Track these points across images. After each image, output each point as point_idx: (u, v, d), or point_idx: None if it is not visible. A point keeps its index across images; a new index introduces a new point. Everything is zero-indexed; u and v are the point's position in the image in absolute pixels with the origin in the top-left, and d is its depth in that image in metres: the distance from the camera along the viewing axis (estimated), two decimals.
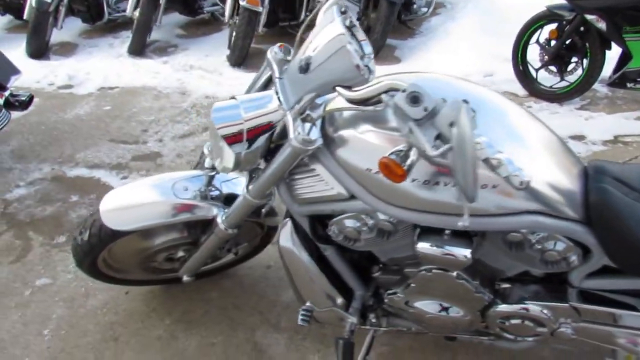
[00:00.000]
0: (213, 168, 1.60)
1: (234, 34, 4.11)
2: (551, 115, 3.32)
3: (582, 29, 3.15)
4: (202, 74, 4.07)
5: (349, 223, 1.31)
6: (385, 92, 1.03)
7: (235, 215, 1.44)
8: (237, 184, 1.64)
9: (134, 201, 1.50)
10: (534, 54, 3.52)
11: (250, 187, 1.34)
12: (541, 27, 3.41)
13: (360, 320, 1.53)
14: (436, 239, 1.24)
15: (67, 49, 4.84)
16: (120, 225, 1.49)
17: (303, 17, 4.51)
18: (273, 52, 1.26)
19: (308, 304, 1.52)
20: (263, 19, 4.06)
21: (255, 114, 1.23)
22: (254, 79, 1.42)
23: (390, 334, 1.74)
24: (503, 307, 1.37)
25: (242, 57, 4.12)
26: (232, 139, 1.22)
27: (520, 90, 3.64)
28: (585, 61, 3.28)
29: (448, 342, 1.66)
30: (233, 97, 1.28)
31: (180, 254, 1.73)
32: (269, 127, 1.24)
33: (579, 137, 3.04)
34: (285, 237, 1.44)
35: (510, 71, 3.71)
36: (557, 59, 3.37)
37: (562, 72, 3.41)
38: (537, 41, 3.45)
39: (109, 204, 1.51)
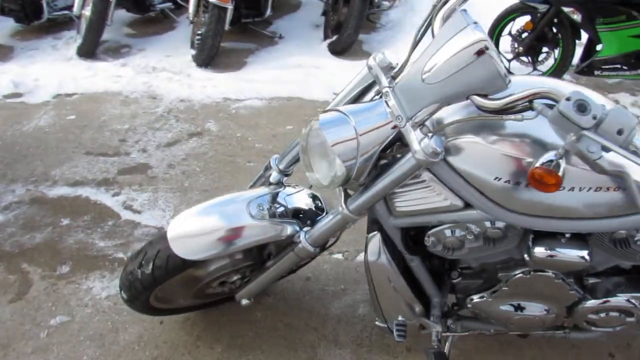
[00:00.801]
0: (279, 183, 1.49)
1: (199, 32, 3.89)
2: None
3: (555, 20, 3.30)
4: (169, 76, 3.82)
5: (451, 233, 1.27)
6: (531, 100, 1.00)
7: (324, 232, 1.35)
8: (300, 198, 1.54)
9: (208, 226, 1.35)
10: (505, 46, 3.64)
11: (350, 202, 1.25)
12: (513, 19, 3.53)
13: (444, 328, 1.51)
14: (552, 242, 1.23)
15: (1, 52, 4.37)
16: (194, 254, 1.34)
17: (268, 14, 4.38)
18: (377, 59, 1.18)
19: (400, 318, 1.47)
20: (229, 15, 3.88)
21: (369, 127, 1.14)
22: (347, 89, 1.32)
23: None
24: (592, 302, 1.39)
25: (210, 57, 3.92)
26: (345, 154, 1.14)
27: None
28: (556, 51, 3.45)
29: (517, 339, 1.67)
30: (333, 109, 1.19)
31: (236, 277, 1.60)
32: (383, 140, 1.17)
33: None
34: (374, 250, 1.37)
35: None
36: (530, 49, 3.52)
37: (534, 62, 3.56)
38: (510, 33, 3.58)
39: (178, 231, 1.36)
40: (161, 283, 1.44)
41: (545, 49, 3.50)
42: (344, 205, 1.27)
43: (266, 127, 3.18)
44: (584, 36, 3.34)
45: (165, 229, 1.42)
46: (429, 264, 1.47)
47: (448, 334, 1.57)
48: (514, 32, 3.55)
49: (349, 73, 4.03)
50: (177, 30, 4.74)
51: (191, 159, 2.84)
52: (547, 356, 1.70)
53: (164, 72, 3.91)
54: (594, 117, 0.91)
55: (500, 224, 1.23)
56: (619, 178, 0.99)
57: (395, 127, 1.13)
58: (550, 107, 0.96)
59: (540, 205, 1.13)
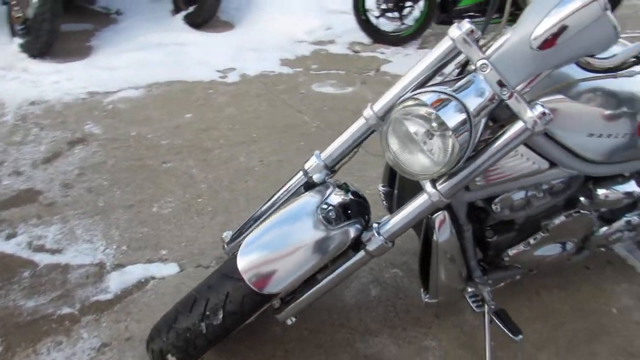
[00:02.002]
0: (324, 183, 1.29)
1: (23, 15, 3.14)
2: (405, 58, 3.64)
3: None
4: None
5: (523, 194, 1.27)
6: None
7: (405, 224, 1.21)
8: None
9: (288, 247, 1.10)
10: (369, 4, 3.74)
11: (442, 185, 1.14)
12: None
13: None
14: (611, 183, 1.32)
15: None
16: (279, 285, 1.10)
17: None
18: (462, 29, 1.06)
19: (470, 289, 1.44)
20: None
21: (475, 103, 1.04)
22: (423, 66, 1.16)
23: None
24: (608, 228, 1.55)
25: (49, 45, 3.21)
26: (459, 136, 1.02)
27: (365, 39, 3.85)
28: (420, 4, 3.65)
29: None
30: (429, 90, 1.05)
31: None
32: (486, 115, 1.07)
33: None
34: (445, 229, 1.30)
35: (349, 22, 3.87)
36: (395, 5, 3.67)
37: (401, 17, 3.73)
38: None
39: (253, 263, 1.09)
40: (234, 330, 1.16)
41: (409, 4, 3.69)
42: (431, 190, 1.16)
43: (161, 119, 2.76)
44: None
45: (203, 265, 1.14)
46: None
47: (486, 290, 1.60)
48: None
49: (222, 48, 3.79)
50: None
51: (89, 172, 2.33)
52: (569, 282, 1.83)
53: None
54: None
55: (566, 177, 1.27)
56: None
57: (493, 99, 1.06)
58: None
59: (620, 153, 1.19)
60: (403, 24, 3.74)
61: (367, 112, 1.19)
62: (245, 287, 1.10)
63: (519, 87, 1.04)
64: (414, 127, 1.05)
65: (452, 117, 1.01)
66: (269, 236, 1.14)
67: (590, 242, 1.54)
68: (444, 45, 1.10)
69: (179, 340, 1.17)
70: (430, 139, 1.04)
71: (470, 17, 3.61)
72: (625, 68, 1.02)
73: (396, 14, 3.71)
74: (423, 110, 1.01)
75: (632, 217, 1.53)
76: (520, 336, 1.42)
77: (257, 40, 3.68)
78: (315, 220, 1.15)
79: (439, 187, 1.14)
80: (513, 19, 1.10)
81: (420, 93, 1.07)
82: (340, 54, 3.68)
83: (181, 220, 2.05)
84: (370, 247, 1.23)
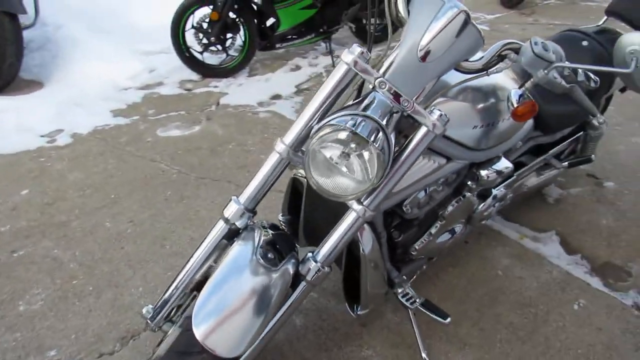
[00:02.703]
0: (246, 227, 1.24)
1: None
2: (239, 87, 3.67)
3: (236, 6, 3.54)
4: None
5: (423, 193, 1.41)
6: (501, 54, 1.20)
7: (339, 247, 1.21)
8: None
9: (240, 303, 1.02)
10: (190, 40, 3.68)
11: (367, 201, 1.18)
12: (193, 12, 3.58)
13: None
14: (490, 164, 1.52)
15: None
16: (242, 345, 1.02)
17: None
18: (355, 54, 1.11)
19: (392, 291, 1.53)
20: None
21: (387, 118, 1.10)
22: (330, 92, 1.16)
23: None
24: (484, 205, 1.78)
25: None
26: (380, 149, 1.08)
27: (194, 75, 3.78)
28: (240, 34, 3.72)
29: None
30: (342, 114, 1.08)
31: None
32: (393, 127, 1.15)
33: (277, 96, 3.53)
34: (369, 240, 1.37)
35: (172, 61, 3.78)
36: (216, 38, 3.67)
37: (225, 48, 3.75)
38: (193, 26, 3.62)
39: (212, 330, 0.99)
40: None
41: (229, 35, 3.72)
42: (358, 207, 1.20)
43: None
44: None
45: (106, 352, 1.02)
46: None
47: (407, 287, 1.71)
48: (196, 24, 3.61)
49: (39, 109, 3.49)
50: None
51: None
52: (457, 258, 2.01)
53: None
54: (553, 53, 1.20)
55: (458, 168, 1.44)
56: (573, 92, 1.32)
57: (397, 112, 1.14)
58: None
59: (496, 137, 1.39)
60: (228, 55, 3.77)
61: (280, 146, 1.18)
62: (209, 357, 1.01)
63: (414, 97, 1.14)
64: (336, 153, 1.08)
65: (371, 134, 1.06)
66: (217, 298, 1.06)
67: (473, 219, 1.75)
68: (340, 71, 1.14)
69: None
70: (352, 160, 1.08)
71: (288, 40, 3.84)
72: (493, 66, 1.20)
73: (219, 47, 3.72)
74: (342, 134, 1.04)
75: (498, 191, 1.78)
76: (449, 319, 1.55)
77: (77, 94, 3.35)
78: (256, 267, 1.11)
79: (365, 203, 1.19)
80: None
81: (332, 119, 1.10)
82: (173, 94, 3.55)
83: (61, 311, 1.77)
84: (310, 276, 1.23)
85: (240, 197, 1.24)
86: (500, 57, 1.20)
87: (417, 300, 1.59)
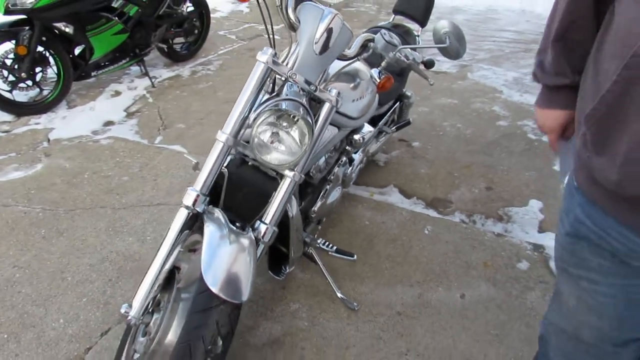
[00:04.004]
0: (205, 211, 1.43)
1: None
2: (64, 120, 3.50)
3: (44, 38, 3.37)
4: None
5: (322, 160, 1.80)
6: (366, 44, 1.64)
7: (282, 208, 1.50)
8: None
9: (234, 256, 1.25)
10: None
11: (297, 167, 1.49)
12: None
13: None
14: (358, 131, 1.97)
15: None
16: (247, 289, 1.24)
17: None
18: (268, 54, 1.41)
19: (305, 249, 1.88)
20: None
21: (302, 100, 1.42)
22: (253, 89, 1.41)
23: None
24: (352, 167, 2.25)
25: None
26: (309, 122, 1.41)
27: (7, 116, 3.48)
28: (52, 67, 3.54)
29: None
30: (271, 102, 1.38)
31: None
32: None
33: (109, 122, 3.50)
34: (293, 206, 1.68)
35: None
36: (26, 74, 3.44)
37: (36, 83, 3.52)
38: None
39: (222, 279, 1.18)
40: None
41: (38, 69, 3.52)
42: (291, 173, 1.50)
43: None
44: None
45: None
46: None
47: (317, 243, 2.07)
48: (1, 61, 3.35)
49: None
50: None
51: None
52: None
53: None
54: (396, 40, 1.69)
55: (343, 135, 1.86)
56: (413, 67, 1.81)
57: (307, 94, 1.50)
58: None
59: (366, 107, 1.84)
60: (41, 89, 3.57)
61: (222, 136, 1.41)
62: (226, 307, 1.21)
63: (317, 82, 1.51)
64: (275, 132, 1.38)
65: (297, 109, 1.39)
66: (217, 261, 1.26)
67: (346, 181, 2.20)
68: (258, 70, 1.43)
69: None
70: (286, 136, 1.38)
71: (103, 67, 3.82)
72: (361, 53, 1.64)
73: (29, 82, 3.49)
74: (279, 115, 1.35)
75: (358, 155, 2.27)
76: (355, 256, 1.97)
77: None
78: (235, 235, 1.35)
79: (296, 169, 1.52)
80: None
81: (265, 107, 1.40)
82: None
83: None
84: (267, 237, 1.50)
85: (195, 186, 1.44)
86: (363, 47, 1.65)
87: (333, 248, 1.97)
